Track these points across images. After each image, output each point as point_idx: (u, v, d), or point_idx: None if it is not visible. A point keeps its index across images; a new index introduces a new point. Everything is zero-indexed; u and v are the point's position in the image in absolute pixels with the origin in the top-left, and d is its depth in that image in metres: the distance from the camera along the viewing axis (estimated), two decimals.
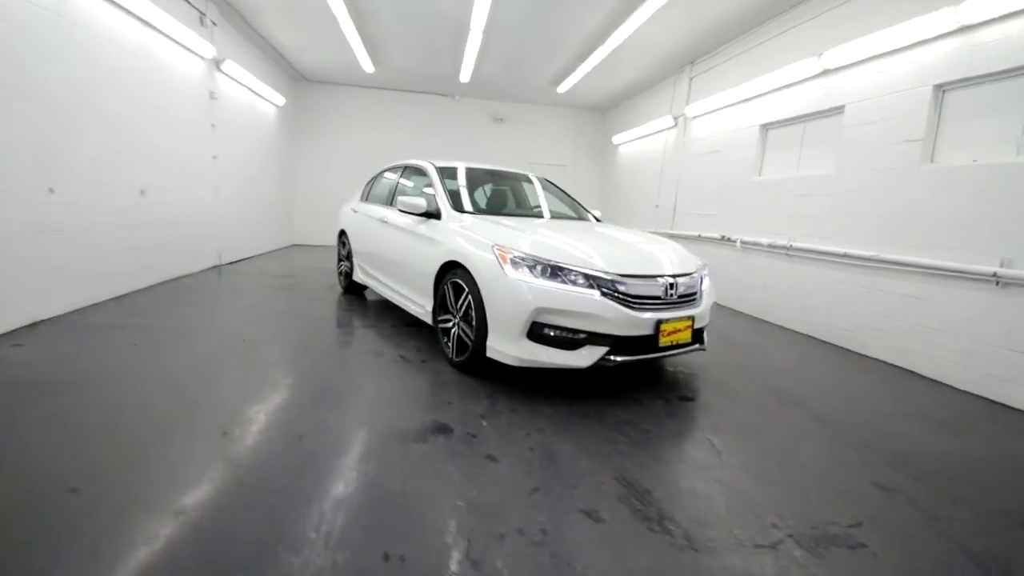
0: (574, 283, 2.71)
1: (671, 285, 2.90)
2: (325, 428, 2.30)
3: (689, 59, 7.42)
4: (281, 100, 8.71)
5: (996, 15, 3.36)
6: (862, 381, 3.67)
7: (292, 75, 9.56)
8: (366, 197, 5.31)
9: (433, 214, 3.68)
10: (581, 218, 4.32)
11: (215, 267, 6.59)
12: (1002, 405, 3.25)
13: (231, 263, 7.08)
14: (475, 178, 4.29)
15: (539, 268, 2.75)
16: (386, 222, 4.33)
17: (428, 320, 3.57)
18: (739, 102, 6.25)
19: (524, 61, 7.87)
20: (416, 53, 7.82)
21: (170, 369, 2.89)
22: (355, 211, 5.24)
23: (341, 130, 10.35)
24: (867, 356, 4.26)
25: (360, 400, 2.67)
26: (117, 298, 4.47)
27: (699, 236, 6.81)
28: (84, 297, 4.11)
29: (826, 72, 4.85)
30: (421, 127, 10.58)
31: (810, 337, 4.85)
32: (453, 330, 3.22)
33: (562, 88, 9.05)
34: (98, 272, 4.26)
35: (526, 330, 2.69)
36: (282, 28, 7.10)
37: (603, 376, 3.20)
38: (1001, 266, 3.31)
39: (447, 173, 4.08)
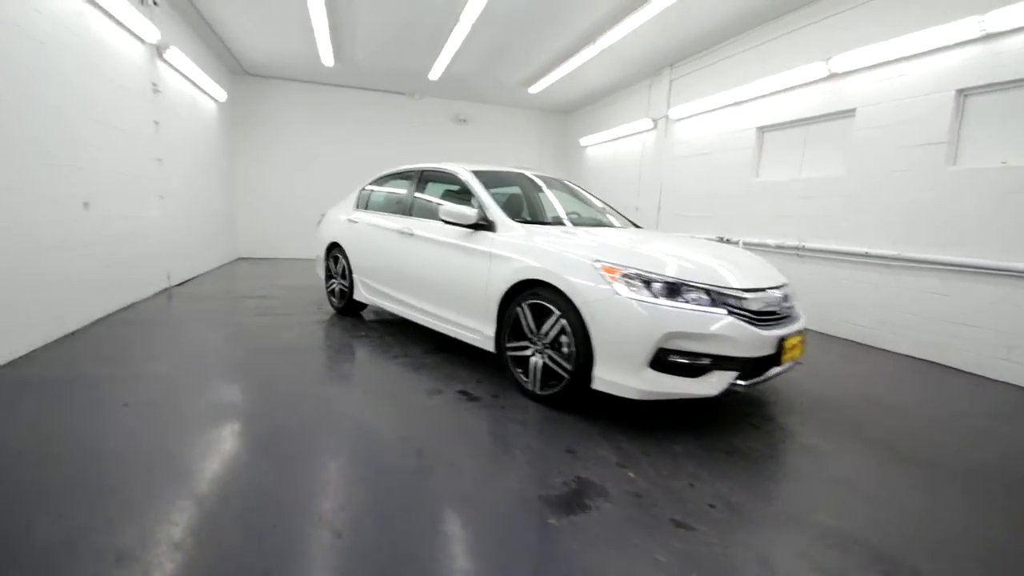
0: (697, 302, 2.40)
1: (785, 297, 2.69)
2: (454, 507, 1.81)
3: (667, 62, 7.43)
4: (223, 95, 7.66)
5: (1023, 24, 3.51)
6: (910, 378, 3.71)
7: (232, 67, 8.47)
8: (365, 205, 4.68)
9: (483, 225, 3.23)
10: (625, 225, 4.04)
11: (165, 290, 5.57)
12: None
13: (180, 284, 6.05)
14: (510, 183, 3.86)
15: (657, 286, 2.41)
16: (410, 234, 3.79)
17: (487, 347, 3.12)
18: (730, 105, 6.29)
19: (503, 58, 7.49)
20: (388, 46, 7.17)
21: (180, 452, 2.22)
22: (352, 221, 4.60)
23: (287, 130, 9.35)
24: (895, 352, 4.37)
25: (456, 459, 2.18)
26: (67, 337, 3.54)
27: (691, 237, 6.79)
28: (26, 342, 3.18)
29: (833, 76, 4.95)
30: (377, 128, 9.83)
31: (832, 336, 4.92)
32: (534, 359, 2.80)
33: (535, 88, 8.76)
34: (41, 306, 3.33)
35: (651, 358, 2.35)
36: (234, 11, 6.17)
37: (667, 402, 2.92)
38: None
39: (484, 178, 3.63)
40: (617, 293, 2.42)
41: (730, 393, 2.42)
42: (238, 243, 9.21)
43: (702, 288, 2.44)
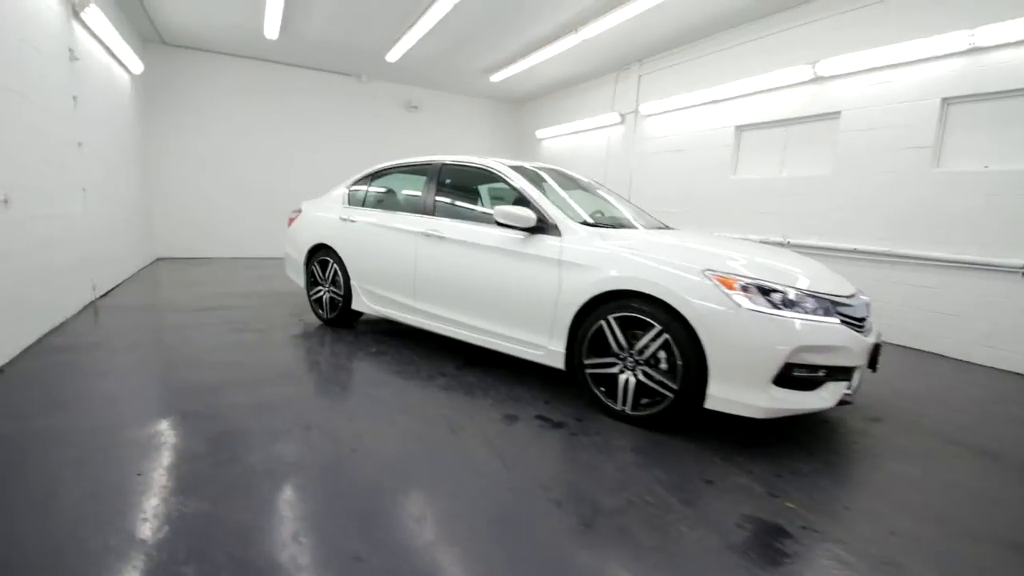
0: (815, 312, 2.30)
1: (867, 304, 2.68)
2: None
3: (636, 57, 7.44)
4: (139, 66, 6.44)
5: (1010, 40, 3.84)
6: (904, 365, 4.00)
7: (146, 34, 7.17)
8: (362, 202, 4.11)
9: (541, 228, 2.91)
10: (661, 226, 3.89)
11: (91, 304, 4.55)
12: None
13: (104, 295, 5.00)
14: (553, 180, 3.52)
15: (777, 297, 2.28)
16: (438, 237, 3.35)
17: (552, 363, 2.83)
18: (707, 103, 6.42)
19: (473, 43, 7.04)
20: (346, 20, 6.42)
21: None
22: (348, 220, 4.02)
23: (212, 112, 8.15)
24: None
25: (601, 504, 1.88)
26: None
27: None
28: None
29: (818, 79, 5.17)
30: (319, 111, 8.90)
31: None
32: (624, 377, 2.56)
33: (497, 77, 8.40)
34: None
35: (777, 374, 2.21)
36: None
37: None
38: None
39: (528, 176, 3.29)
40: (738, 305, 2.24)
41: (842, 404, 2.36)
42: (156, 242, 7.90)
43: (819, 297, 2.34)
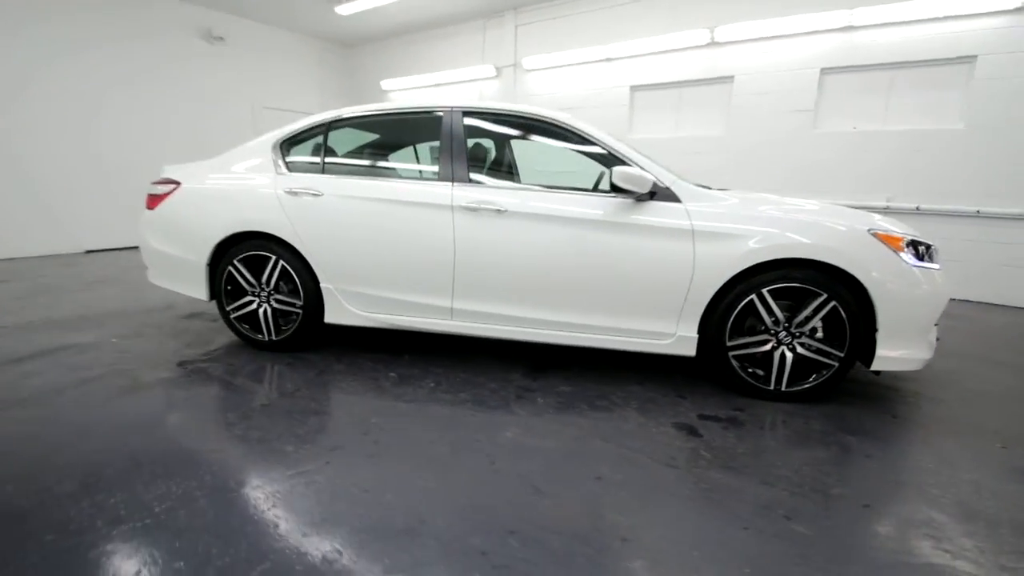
0: (937, 261, 2.43)
1: None
2: None
3: (510, 5, 6.93)
4: None
5: (878, 22, 4.70)
6: None
7: None
8: (321, 167, 2.81)
9: (651, 193, 2.41)
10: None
11: None
12: None
13: None
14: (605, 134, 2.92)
15: (923, 249, 2.32)
16: (498, 211, 2.49)
17: (680, 351, 2.44)
18: (600, 60, 6.39)
19: None
20: None
21: None
22: (305, 194, 2.72)
23: None
24: None
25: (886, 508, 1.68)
26: None
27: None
28: None
29: (714, 44, 5.58)
30: (71, 40, 5.93)
31: None
32: (779, 353, 2.34)
33: (346, 9, 6.84)
34: None
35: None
36: None
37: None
38: (887, 202, 4.92)
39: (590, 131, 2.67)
40: (905, 263, 2.22)
41: None
42: None
43: (929, 246, 2.47)
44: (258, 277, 2.84)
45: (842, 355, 2.29)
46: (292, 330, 2.85)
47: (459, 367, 2.75)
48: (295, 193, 2.73)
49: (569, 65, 6.69)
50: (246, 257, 2.83)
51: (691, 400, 2.42)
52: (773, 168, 5.44)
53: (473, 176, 2.63)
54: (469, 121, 2.71)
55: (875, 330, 2.25)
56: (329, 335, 3.18)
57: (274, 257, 2.78)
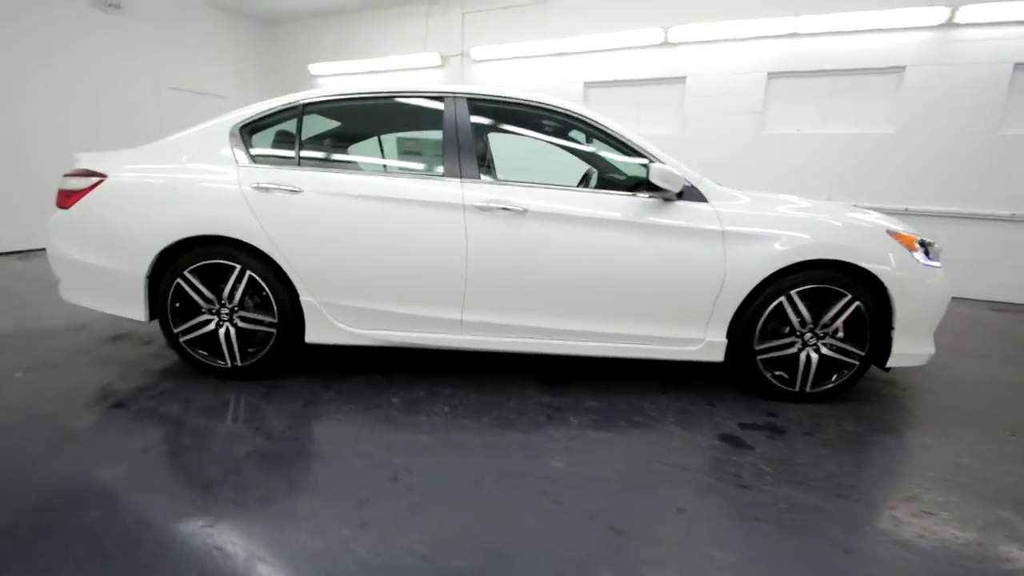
0: (937, 258, 2.54)
1: None
2: None
3: None
4: None
5: (821, 31, 4.99)
6: None
7: None
8: (296, 160, 2.37)
9: (679, 193, 2.29)
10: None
11: None
12: None
13: None
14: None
15: (930, 249, 2.41)
16: (518, 211, 2.23)
17: (708, 357, 2.36)
18: (553, 55, 6.26)
19: None
20: None
21: None
22: (278, 190, 2.27)
23: None
24: None
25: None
26: None
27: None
28: None
29: (668, 44, 5.65)
30: None
31: None
32: (804, 355, 2.33)
33: None
34: None
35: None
36: None
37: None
38: (828, 199, 5.26)
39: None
40: (918, 262, 2.29)
41: None
42: None
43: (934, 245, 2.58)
44: (217, 291, 2.35)
45: (863, 354, 2.32)
46: (263, 353, 2.39)
47: (467, 385, 2.46)
48: (266, 189, 2.27)
49: (521, 57, 6.48)
50: (201, 267, 2.32)
51: (721, 407, 2.34)
52: (725, 168, 5.62)
53: (485, 171, 2.35)
54: (476, 112, 2.41)
55: (891, 328, 2.31)
56: (299, 357, 2.72)
57: (239, 267, 2.31)
